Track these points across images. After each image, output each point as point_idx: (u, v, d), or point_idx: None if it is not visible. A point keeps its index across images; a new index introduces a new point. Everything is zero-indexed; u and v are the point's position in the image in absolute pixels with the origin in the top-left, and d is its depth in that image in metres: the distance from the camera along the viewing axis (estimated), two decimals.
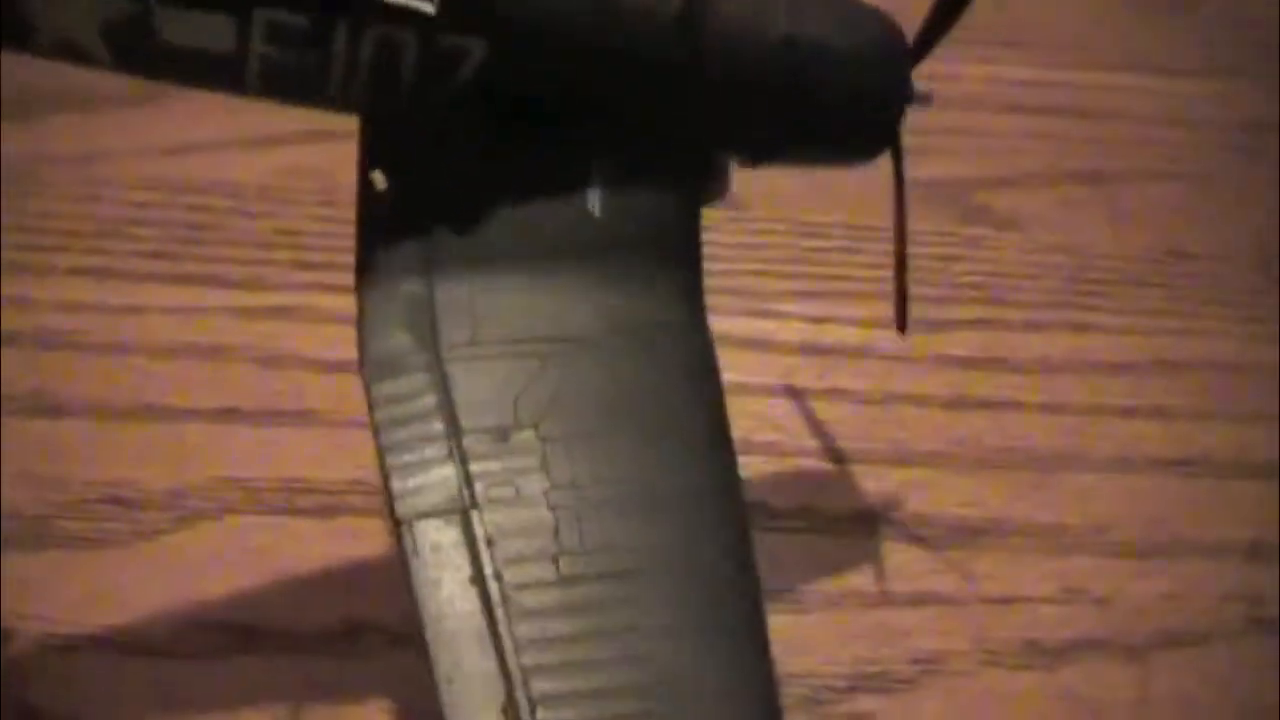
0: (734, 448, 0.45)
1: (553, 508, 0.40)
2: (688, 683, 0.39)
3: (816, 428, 0.67)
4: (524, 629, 0.38)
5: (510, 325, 0.43)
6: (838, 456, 0.65)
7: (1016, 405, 0.69)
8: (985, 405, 0.69)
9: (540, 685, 0.38)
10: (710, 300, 0.73)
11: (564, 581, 0.39)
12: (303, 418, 0.66)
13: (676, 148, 0.47)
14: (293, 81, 0.44)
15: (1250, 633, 0.60)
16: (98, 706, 0.57)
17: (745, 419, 0.67)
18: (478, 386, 0.42)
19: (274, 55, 0.43)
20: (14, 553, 0.61)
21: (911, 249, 0.78)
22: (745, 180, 0.83)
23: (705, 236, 0.76)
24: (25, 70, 0.89)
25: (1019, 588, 0.60)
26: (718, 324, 0.72)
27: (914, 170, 0.85)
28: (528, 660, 0.38)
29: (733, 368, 0.69)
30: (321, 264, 0.76)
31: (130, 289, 0.74)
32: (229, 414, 0.66)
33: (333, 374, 0.68)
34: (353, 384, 0.69)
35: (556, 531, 0.40)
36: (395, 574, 0.40)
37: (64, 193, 0.81)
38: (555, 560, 0.39)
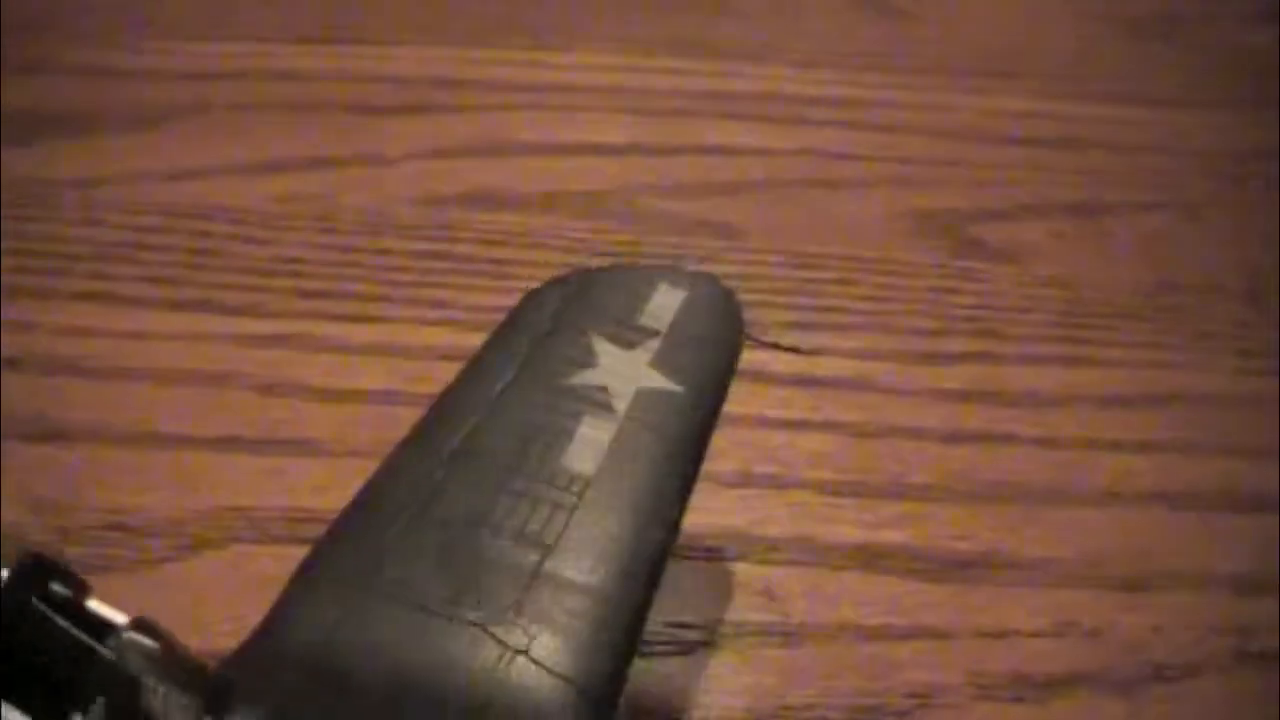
0: None
1: None
2: None
3: (812, 460, 0.68)
4: None
5: None
6: (834, 489, 0.66)
7: (1010, 438, 0.70)
8: (980, 438, 0.70)
9: None
10: None
11: None
12: (303, 446, 0.66)
13: None
14: None
15: (1239, 666, 0.60)
16: None
17: (741, 449, 0.68)
18: None
19: None
20: None
21: (907, 281, 0.80)
22: (743, 211, 0.85)
23: (703, 267, 0.77)
24: (29, 93, 0.91)
25: (1011, 621, 0.61)
26: None
27: (908, 201, 0.87)
28: None
29: (727, 399, 0.70)
30: (320, 291, 0.77)
31: (133, 314, 0.75)
32: (230, 442, 0.67)
33: (331, 402, 0.69)
34: (350, 414, 0.70)
35: None
36: None
37: (66, 216, 0.82)
38: None
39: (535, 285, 0.62)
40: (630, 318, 0.52)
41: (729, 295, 0.55)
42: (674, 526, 0.45)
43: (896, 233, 0.84)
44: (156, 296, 0.76)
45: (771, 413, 0.70)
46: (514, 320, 0.54)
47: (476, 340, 0.74)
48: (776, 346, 0.63)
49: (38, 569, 0.36)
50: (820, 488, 0.66)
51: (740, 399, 0.70)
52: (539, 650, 0.37)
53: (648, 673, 0.51)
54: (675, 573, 0.62)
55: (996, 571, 0.63)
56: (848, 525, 0.64)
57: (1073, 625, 0.61)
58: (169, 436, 0.67)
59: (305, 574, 0.41)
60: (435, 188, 0.85)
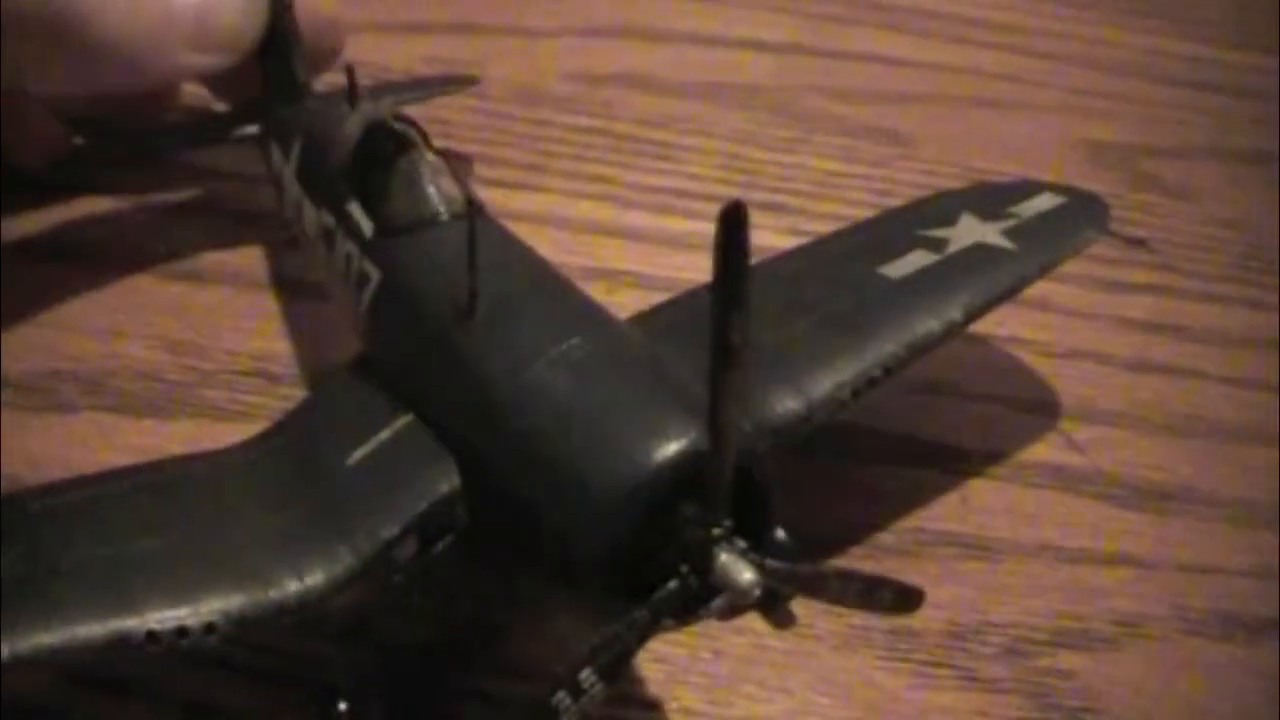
0: None
1: None
2: None
3: (996, 374, 0.64)
4: None
5: None
6: (1021, 405, 0.62)
7: (1198, 374, 0.66)
8: (1167, 370, 0.66)
9: None
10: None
11: None
12: None
13: None
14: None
15: None
16: None
17: (927, 358, 0.63)
18: None
19: None
20: (152, 419, 0.57)
21: None
22: (911, 121, 0.81)
23: (876, 171, 0.73)
24: None
25: (1213, 558, 0.57)
26: None
27: (1080, 130, 0.83)
28: None
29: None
30: (475, 156, 0.73)
31: None
32: None
33: None
34: None
35: None
36: None
37: None
38: None
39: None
40: (1006, 206, 0.58)
41: (1100, 202, 0.60)
42: (950, 327, 0.52)
43: (1070, 160, 0.80)
44: None
45: None
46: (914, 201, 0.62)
47: (637, 217, 0.71)
48: (1127, 240, 0.67)
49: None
50: (1007, 402, 0.62)
51: None
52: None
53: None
54: (863, 476, 0.58)
55: (1193, 506, 0.59)
56: (1038, 444, 0.60)
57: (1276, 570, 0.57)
58: (309, 285, 0.63)
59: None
60: (590, 66, 0.81)
